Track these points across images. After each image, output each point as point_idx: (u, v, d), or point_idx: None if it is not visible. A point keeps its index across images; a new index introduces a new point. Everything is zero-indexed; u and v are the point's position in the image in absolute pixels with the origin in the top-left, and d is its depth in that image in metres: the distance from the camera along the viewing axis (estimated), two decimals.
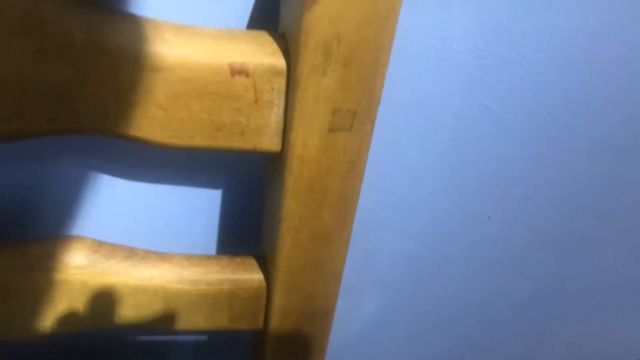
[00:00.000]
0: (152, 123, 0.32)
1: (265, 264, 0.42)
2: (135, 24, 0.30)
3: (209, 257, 0.42)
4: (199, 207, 0.44)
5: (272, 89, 0.31)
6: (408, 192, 0.47)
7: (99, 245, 0.39)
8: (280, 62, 0.31)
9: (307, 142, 0.33)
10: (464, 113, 0.42)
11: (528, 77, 0.41)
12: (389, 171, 0.45)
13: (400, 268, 0.54)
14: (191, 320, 0.43)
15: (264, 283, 0.42)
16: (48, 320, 0.40)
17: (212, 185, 0.43)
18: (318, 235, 0.38)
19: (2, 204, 0.40)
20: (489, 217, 0.51)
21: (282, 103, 0.32)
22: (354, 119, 0.33)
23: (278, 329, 0.44)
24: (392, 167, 0.45)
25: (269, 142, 0.33)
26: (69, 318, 0.40)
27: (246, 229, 0.46)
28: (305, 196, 0.36)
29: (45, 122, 0.30)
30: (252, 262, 0.43)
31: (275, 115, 0.32)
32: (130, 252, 0.40)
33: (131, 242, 0.44)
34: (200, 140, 0.33)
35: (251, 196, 0.44)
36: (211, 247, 0.46)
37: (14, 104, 0.29)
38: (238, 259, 0.43)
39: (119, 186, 0.41)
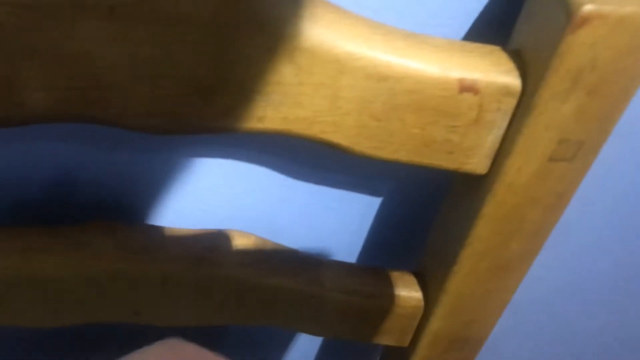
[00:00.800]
0: (359, 132, 0.29)
1: (426, 284, 0.40)
2: (364, 27, 0.27)
3: (366, 267, 0.40)
4: (353, 213, 0.42)
5: (499, 109, 0.28)
6: (572, 216, 0.44)
7: (263, 243, 0.38)
8: (515, 82, 0.28)
9: (521, 169, 0.30)
10: None
11: None
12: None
13: (537, 294, 0.51)
14: (336, 329, 0.41)
15: (421, 303, 0.39)
16: (200, 312, 0.38)
17: (371, 192, 0.41)
18: (499, 266, 0.35)
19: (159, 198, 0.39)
20: None
21: (504, 125, 0.29)
22: (579, 150, 0.30)
23: (425, 350, 0.41)
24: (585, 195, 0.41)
25: (477, 164, 0.31)
26: (220, 313, 0.39)
27: (399, 242, 0.43)
28: (500, 225, 0.33)
29: (255, 121, 0.28)
30: (412, 279, 0.40)
31: (492, 137, 0.29)
32: (292, 254, 0.39)
33: (283, 240, 0.42)
34: (404, 155, 0.30)
35: (411, 210, 0.41)
36: (360, 255, 0.44)
37: (229, 101, 0.27)
38: (396, 273, 0.40)
39: (273, 181, 0.39)
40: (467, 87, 0.28)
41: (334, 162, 0.39)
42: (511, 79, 0.28)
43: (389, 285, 0.39)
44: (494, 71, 0.28)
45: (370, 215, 0.42)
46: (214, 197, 0.39)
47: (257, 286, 0.37)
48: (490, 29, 0.32)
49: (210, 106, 0.28)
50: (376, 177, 0.41)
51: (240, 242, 0.37)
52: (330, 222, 0.42)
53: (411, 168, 0.39)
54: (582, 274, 0.50)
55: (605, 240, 0.47)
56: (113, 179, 0.37)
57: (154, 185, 0.38)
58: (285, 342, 0.54)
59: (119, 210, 0.39)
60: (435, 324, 0.39)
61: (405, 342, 0.42)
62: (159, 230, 0.36)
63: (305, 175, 0.39)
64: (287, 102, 0.28)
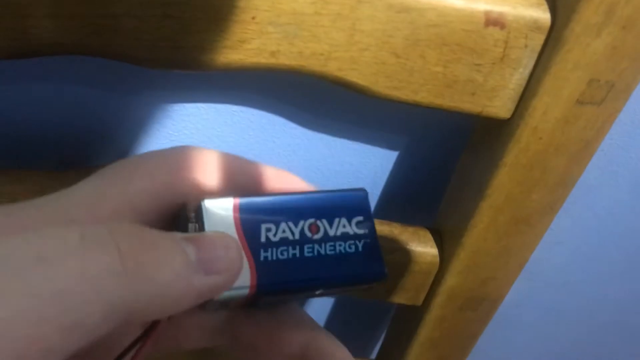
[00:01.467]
0: (378, 70, 0.28)
1: (442, 239, 0.38)
2: None
3: (380, 222, 0.39)
4: (368, 167, 0.40)
5: (526, 46, 0.27)
6: (594, 180, 0.42)
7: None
8: (544, 16, 0.26)
9: (547, 112, 0.28)
10: None
11: None
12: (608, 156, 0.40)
13: (556, 260, 0.49)
14: None
15: (437, 259, 0.38)
16: None
17: (388, 145, 0.40)
18: (519, 219, 0.34)
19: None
20: None
21: (531, 63, 0.27)
22: (609, 92, 0.28)
23: (439, 309, 0.40)
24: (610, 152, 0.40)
25: (500, 107, 0.29)
26: None
27: (416, 197, 0.42)
28: (522, 174, 0.31)
29: (268, 55, 0.27)
30: (427, 235, 0.39)
31: (518, 77, 0.28)
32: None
33: None
34: (424, 96, 0.29)
35: (429, 163, 0.40)
36: (375, 210, 0.43)
37: (241, 33, 0.26)
38: (411, 229, 0.39)
39: (285, 132, 0.38)
40: (493, 21, 0.26)
41: (349, 113, 0.38)
42: (540, 13, 0.26)
43: (403, 241, 0.38)
44: (522, 4, 0.26)
45: (386, 170, 0.41)
46: (222, 147, 0.38)
47: None
48: None
49: (221, 37, 0.26)
50: (392, 130, 0.39)
51: None
52: (345, 176, 0.41)
53: (429, 120, 0.37)
54: (603, 239, 0.48)
55: (630, 205, 0.45)
56: (106, 123, 0.36)
57: (148, 130, 0.37)
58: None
59: (113, 155, 0.38)
60: (450, 281, 0.38)
61: (419, 301, 0.41)
62: None
63: (319, 127, 0.38)
64: (302, 34, 0.27)
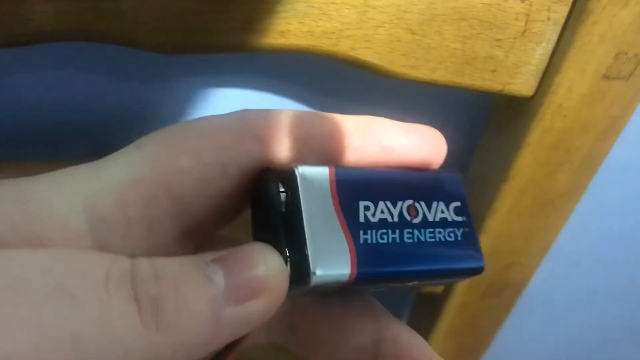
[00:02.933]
0: (393, 48, 0.27)
1: None
2: None
3: None
4: None
5: (549, 19, 0.25)
6: (621, 160, 0.41)
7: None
8: None
9: (572, 88, 0.27)
10: None
11: None
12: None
13: (583, 243, 0.48)
14: None
15: None
16: None
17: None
18: (543, 201, 0.33)
19: None
20: None
21: (554, 37, 0.26)
22: (637, 66, 0.26)
23: (461, 296, 0.39)
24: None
25: (523, 85, 0.28)
26: None
27: None
28: (547, 154, 0.30)
29: (277, 35, 0.26)
30: None
31: (541, 52, 0.26)
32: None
33: None
34: (442, 75, 0.28)
35: (449, 145, 0.39)
36: None
37: (248, 13, 0.25)
38: None
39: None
40: None
41: (363, 94, 0.37)
42: None
43: None
44: None
45: None
46: None
47: None
48: None
49: (227, 19, 0.25)
50: (409, 112, 0.38)
51: None
52: None
53: (447, 100, 0.36)
54: (630, 221, 0.47)
55: None
56: (127, 111, 0.35)
57: (169, 118, 0.36)
58: None
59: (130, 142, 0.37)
60: None
61: (440, 288, 0.40)
62: None
63: (333, 108, 0.37)
64: (312, 12, 0.25)
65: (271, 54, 0.27)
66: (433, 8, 0.25)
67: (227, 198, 0.17)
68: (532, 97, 0.28)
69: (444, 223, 0.19)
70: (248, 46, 0.26)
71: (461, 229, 0.19)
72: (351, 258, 0.16)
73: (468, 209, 0.19)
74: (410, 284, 0.18)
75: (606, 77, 0.27)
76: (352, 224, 0.17)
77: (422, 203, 0.18)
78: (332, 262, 0.16)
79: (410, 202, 0.18)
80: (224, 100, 0.35)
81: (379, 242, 0.17)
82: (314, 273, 0.16)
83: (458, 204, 0.19)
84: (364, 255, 0.17)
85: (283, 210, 0.16)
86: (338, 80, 0.35)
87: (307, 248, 0.16)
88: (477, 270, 0.19)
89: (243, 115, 0.17)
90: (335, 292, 0.18)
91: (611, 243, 0.48)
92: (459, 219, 0.19)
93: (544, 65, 0.27)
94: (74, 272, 0.13)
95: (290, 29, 0.26)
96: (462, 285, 0.38)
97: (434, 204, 0.19)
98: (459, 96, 0.33)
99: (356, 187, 0.17)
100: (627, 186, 0.43)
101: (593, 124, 0.29)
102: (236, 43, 0.26)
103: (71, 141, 0.36)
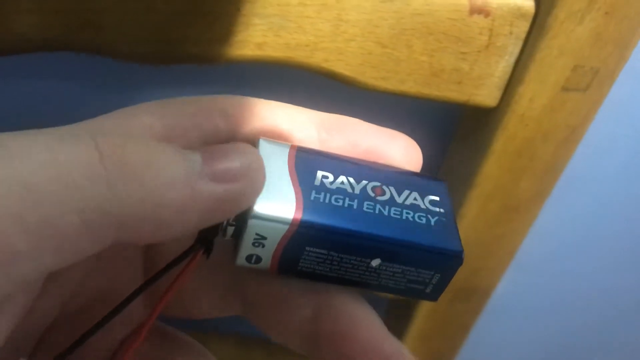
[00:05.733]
0: (365, 61, 0.28)
1: None
2: None
3: None
4: None
5: (511, 33, 0.27)
6: (584, 170, 0.42)
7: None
8: (528, 3, 0.26)
9: (534, 99, 0.29)
10: None
11: None
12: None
13: (547, 251, 0.49)
14: None
15: None
16: None
17: None
18: (508, 207, 0.34)
19: None
20: None
21: (516, 51, 0.28)
22: (594, 78, 0.28)
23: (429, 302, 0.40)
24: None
25: (487, 95, 0.29)
26: None
27: None
28: (511, 161, 0.31)
29: (254, 47, 0.27)
30: None
31: (504, 65, 0.28)
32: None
33: None
34: (411, 86, 0.29)
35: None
36: None
37: (226, 25, 0.26)
38: None
39: None
40: (477, 9, 0.26)
41: (337, 106, 0.38)
42: (525, 0, 0.26)
43: None
44: None
45: None
46: None
47: None
48: None
49: (206, 30, 0.26)
50: (382, 121, 0.39)
51: None
52: None
53: (417, 110, 0.38)
54: (594, 230, 0.48)
55: (620, 195, 0.45)
56: None
57: None
58: None
59: None
60: None
61: None
62: None
63: None
64: (288, 26, 0.27)
65: (248, 65, 0.28)
66: (402, 23, 0.27)
67: None
68: (496, 107, 0.30)
69: (414, 207, 0.17)
70: (226, 57, 0.27)
71: (436, 217, 0.17)
72: (296, 207, 0.16)
73: (449, 206, 0.18)
74: (373, 263, 0.17)
75: (565, 88, 0.28)
76: (305, 183, 0.17)
77: (392, 187, 0.17)
78: (275, 204, 0.16)
79: (377, 183, 0.17)
80: None
81: (332, 203, 0.16)
82: (255, 210, 0.16)
83: (436, 198, 0.18)
84: (312, 208, 0.16)
85: None
86: (312, 90, 0.36)
87: None
88: (455, 256, 0.17)
89: (215, 95, 0.18)
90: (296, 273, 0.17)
91: (577, 249, 0.50)
92: (435, 209, 0.17)
93: (507, 77, 0.29)
94: (22, 134, 0.12)
95: (267, 41, 0.27)
96: None
97: (406, 191, 0.18)
98: (429, 106, 0.35)
99: (317, 160, 0.18)
100: (592, 194, 0.45)
101: (553, 133, 0.30)
102: (214, 54, 0.27)
103: None
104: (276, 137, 0.18)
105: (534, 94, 0.28)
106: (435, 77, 0.29)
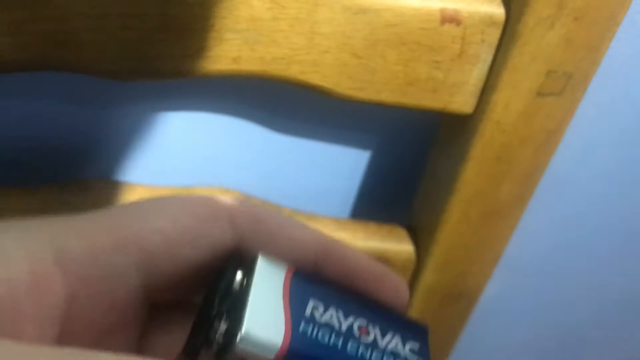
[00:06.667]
0: (340, 72, 0.28)
1: (417, 236, 0.39)
2: None
3: (356, 222, 0.39)
4: (342, 168, 0.41)
5: (483, 41, 0.27)
6: (567, 172, 0.43)
7: (247, 200, 0.37)
8: (498, 11, 0.27)
9: (509, 105, 0.29)
10: None
11: None
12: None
13: (535, 252, 0.50)
14: None
15: (413, 256, 0.39)
16: None
17: (360, 145, 0.40)
18: (490, 211, 0.34)
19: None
20: None
21: (489, 58, 0.28)
22: (567, 82, 0.28)
23: (419, 305, 0.41)
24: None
25: (462, 103, 0.30)
26: None
27: (391, 195, 0.42)
28: (489, 167, 0.32)
29: (230, 62, 0.27)
30: (402, 232, 0.39)
31: (477, 72, 0.28)
32: (277, 211, 0.38)
33: (269, 196, 0.41)
34: (387, 96, 0.29)
35: (401, 161, 0.40)
36: (350, 210, 0.43)
37: (201, 41, 0.26)
38: (387, 227, 0.39)
39: (260, 136, 0.38)
40: (449, 18, 0.27)
41: (319, 115, 0.38)
42: (494, 8, 0.27)
43: (379, 239, 0.38)
44: (476, 0, 0.27)
45: (360, 169, 0.41)
46: (194, 153, 0.38)
47: None
48: None
49: (181, 46, 0.27)
50: (363, 130, 0.40)
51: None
52: (319, 177, 0.41)
53: (399, 117, 0.38)
54: (580, 230, 0.49)
55: (604, 195, 0.46)
56: (85, 136, 0.36)
57: (127, 142, 0.37)
58: None
59: (94, 169, 0.38)
60: (428, 277, 0.38)
61: None
62: (138, 188, 0.35)
63: (290, 130, 0.38)
64: (262, 40, 0.27)
65: (226, 78, 0.28)
66: (375, 34, 0.27)
67: (192, 269, 0.18)
68: (472, 114, 0.30)
69: (394, 354, 0.18)
70: (203, 72, 0.28)
71: None
72: (285, 335, 0.16)
73: (427, 356, 0.19)
74: None
75: (540, 93, 0.29)
76: (296, 312, 0.17)
77: (377, 328, 0.18)
78: (265, 330, 0.16)
79: (363, 321, 0.18)
80: (180, 123, 0.36)
81: (318, 339, 0.17)
82: (244, 333, 0.16)
83: (416, 345, 0.19)
84: (299, 341, 0.17)
85: (236, 289, 0.17)
86: (290, 100, 0.36)
87: (244, 316, 0.16)
88: None
89: (223, 199, 0.19)
90: None
91: (565, 250, 0.50)
92: (414, 358, 0.18)
93: (481, 85, 0.29)
94: None
95: (242, 55, 0.27)
96: (420, 294, 0.40)
97: (390, 333, 0.18)
98: (409, 113, 0.35)
99: (311, 287, 0.18)
100: (577, 194, 0.46)
101: (531, 138, 0.30)
102: (191, 69, 0.28)
103: (26, 165, 0.37)
104: (275, 253, 0.19)
105: (509, 100, 0.29)
106: (411, 86, 0.29)
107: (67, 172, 0.38)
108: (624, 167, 0.43)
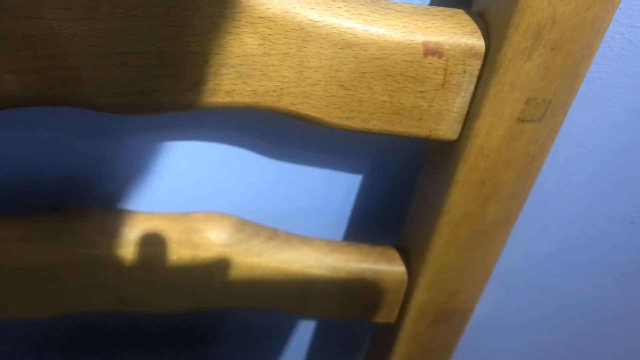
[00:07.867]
0: (329, 102, 0.30)
1: (409, 257, 0.40)
2: None
3: (349, 244, 0.40)
4: (335, 192, 0.42)
5: (464, 71, 0.29)
6: (554, 189, 0.44)
7: (243, 224, 0.38)
8: (478, 43, 0.28)
9: (491, 131, 0.30)
10: (637, 111, 0.38)
11: None
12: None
13: (525, 268, 0.51)
14: (324, 308, 0.41)
15: (405, 276, 0.40)
16: (185, 296, 0.39)
17: (352, 169, 0.41)
18: (477, 232, 0.36)
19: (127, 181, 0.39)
20: (632, 222, 0.47)
21: (471, 87, 0.29)
22: (547, 109, 0.30)
23: (412, 324, 0.42)
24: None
25: (447, 129, 0.31)
26: (205, 296, 0.39)
27: (383, 217, 0.44)
28: (475, 190, 0.33)
29: (224, 95, 0.29)
30: (394, 253, 0.40)
31: (460, 101, 0.30)
32: (273, 233, 0.39)
33: (264, 220, 0.42)
34: (375, 124, 0.31)
35: (392, 184, 0.42)
36: (344, 233, 0.44)
37: (196, 76, 0.28)
38: (379, 249, 0.41)
39: (254, 162, 0.39)
40: (431, 51, 0.28)
41: (312, 141, 0.39)
42: (475, 40, 0.28)
43: (372, 261, 0.40)
44: (457, 33, 0.28)
45: (352, 193, 0.42)
46: (191, 180, 0.39)
47: (240, 267, 0.38)
48: None
49: (178, 81, 0.28)
50: (356, 155, 0.41)
51: (220, 223, 0.37)
52: (313, 201, 0.42)
53: (388, 143, 0.39)
54: (568, 247, 0.50)
55: (589, 212, 0.47)
56: (86, 166, 0.38)
57: (127, 171, 0.38)
58: (279, 331, 0.55)
59: (95, 197, 0.39)
60: (419, 296, 0.40)
61: (392, 318, 0.42)
62: (138, 215, 0.36)
63: (284, 156, 0.40)
64: (254, 74, 0.28)
65: (220, 110, 0.30)
66: (362, 66, 0.28)
67: None
68: (457, 140, 0.31)
69: None
70: (198, 105, 0.29)
71: None
72: None
73: None
74: None
75: (520, 120, 0.30)
76: None
77: None
78: None
79: None
80: (178, 152, 0.37)
81: None
82: None
83: None
84: None
85: None
86: (284, 128, 0.37)
87: None
88: None
89: None
90: None
91: (551, 268, 0.51)
92: None
93: (464, 112, 0.30)
94: None
95: (236, 88, 0.29)
96: (413, 314, 0.41)
97: None
98: (399, 140, 0.36)
99: None
100: (562, 213, 0.47)
101: (513, 162, 0.32)
102: (187, 102, 0.29)
103: (28, 194, 0.38)
104: None
105: (491, 127, 0.30)
106: (397, 115, 0.30)
107: (69, 201, 0.39)
108: (609, 182, 0.45)
